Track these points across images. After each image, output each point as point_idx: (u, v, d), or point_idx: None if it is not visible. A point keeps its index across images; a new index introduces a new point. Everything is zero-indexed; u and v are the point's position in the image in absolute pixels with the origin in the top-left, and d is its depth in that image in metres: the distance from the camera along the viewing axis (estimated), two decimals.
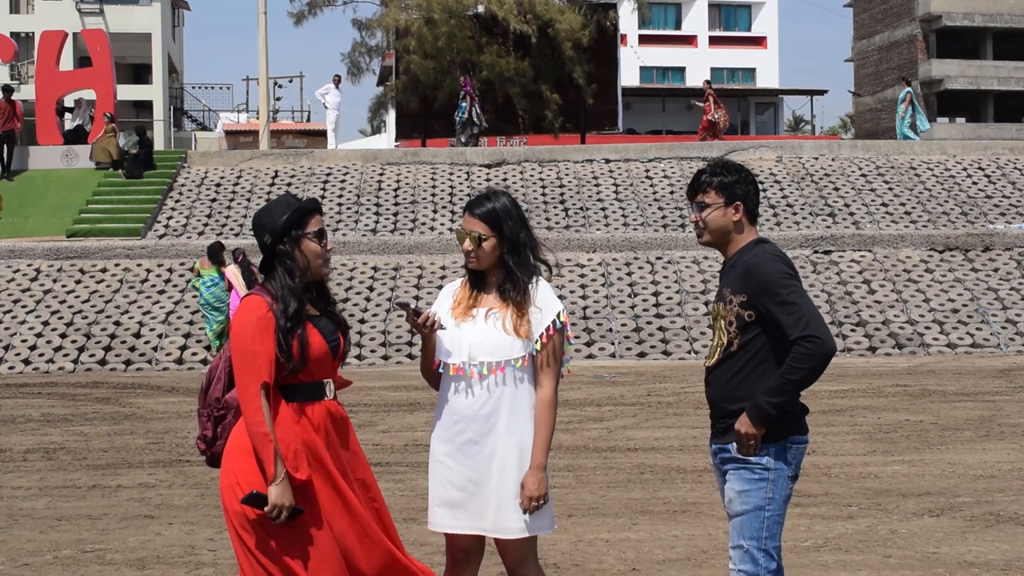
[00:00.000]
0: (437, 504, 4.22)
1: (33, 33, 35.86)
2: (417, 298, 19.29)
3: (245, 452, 3.95)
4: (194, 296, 18.37)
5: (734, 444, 4.07)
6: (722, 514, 4.83)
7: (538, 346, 4.16)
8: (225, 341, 16.10)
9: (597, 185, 23.78)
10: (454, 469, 4.17)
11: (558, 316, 4.19)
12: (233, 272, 17.24)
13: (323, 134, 36.59)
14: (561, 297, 19.20)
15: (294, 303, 3.99)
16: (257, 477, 3.91)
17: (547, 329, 4.17)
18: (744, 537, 4.06)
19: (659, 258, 20.82)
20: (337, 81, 29.65)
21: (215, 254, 17.66)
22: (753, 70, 58.50)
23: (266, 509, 3.88)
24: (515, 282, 4.18)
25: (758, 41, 58.99)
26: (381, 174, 24.32)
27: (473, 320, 4.19)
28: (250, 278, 16.62)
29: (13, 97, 25.21)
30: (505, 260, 4.19)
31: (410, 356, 17.75)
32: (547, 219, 22.29)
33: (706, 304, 19.03)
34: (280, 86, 59.51)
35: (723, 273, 4.25)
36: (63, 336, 18.37)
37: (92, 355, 17.81)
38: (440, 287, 18.83)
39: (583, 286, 19.92)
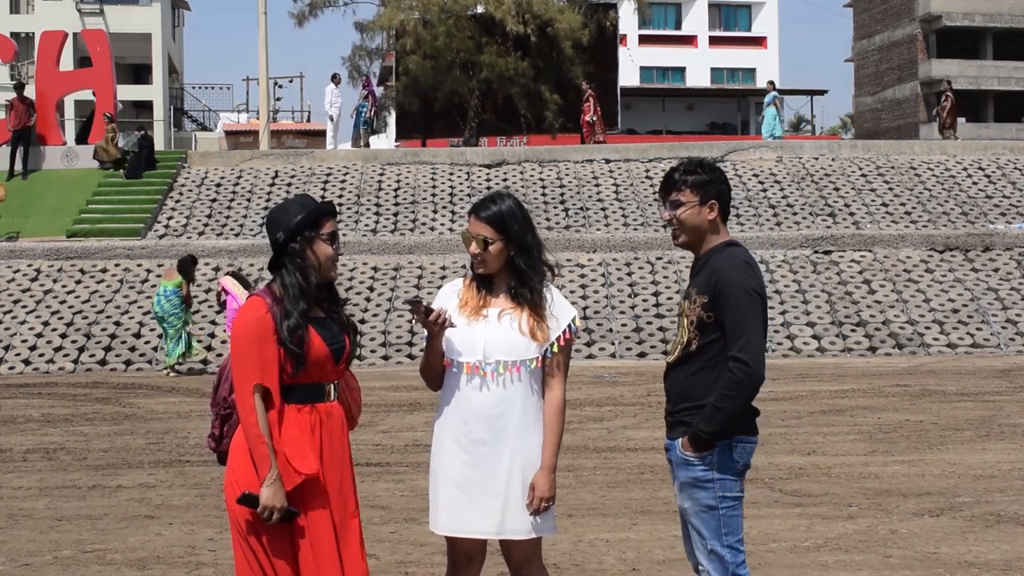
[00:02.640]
0: (442, 506, 4.18)
1: (33, 33, 35.87)
2: (417, 298, 19.27)
3: (245, 451, 3.96)
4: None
5: (679, 441, 4.10)
6: None
7: (555, 349, 4.16)
8: (188, 356, 15.66)
9: (597, 185, 23.78)
10: (459, 470, 4.14)
11: (573, 321, 4.21)
12: (231, 282, 16.90)
13: (323, 134, 36.56)
14: None
15: (303, 302, 3.98)
16: (254, 476, 3.92)
17: (564, 332, 4.17)
18: (708, 538, 4.08)
19: (659, 258, 20.82)
20: (337, 81, 29.57)
21: (186, 268, 16.88)
22: (753, 70, 58.49)
23: (258, 510, 3.88)
24: (529, 285, 4.16)
25: (758, 41, 59.00)
26: (381, 174, 24.32)
27: (485, 320, 4.16)
28: (247, 285, 16.30)
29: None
30: (515, 263, 4.16)
31: (410, 356, 17.75)
32: (547, 219, 22.29)
33: None
34: (280, 86, 59.50)
35: (693, 272, 4.26)
36: (63, 336, 18.38)
37: (92, 355, 17.81)
38: (440, 287, 18.81)
39: (583, 286, 19.92)
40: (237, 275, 16.91)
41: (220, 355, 17.53)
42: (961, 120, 48.42)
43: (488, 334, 4.14)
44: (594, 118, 28.24)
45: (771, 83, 30.41)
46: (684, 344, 4.11)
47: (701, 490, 4.06)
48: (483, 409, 4.12)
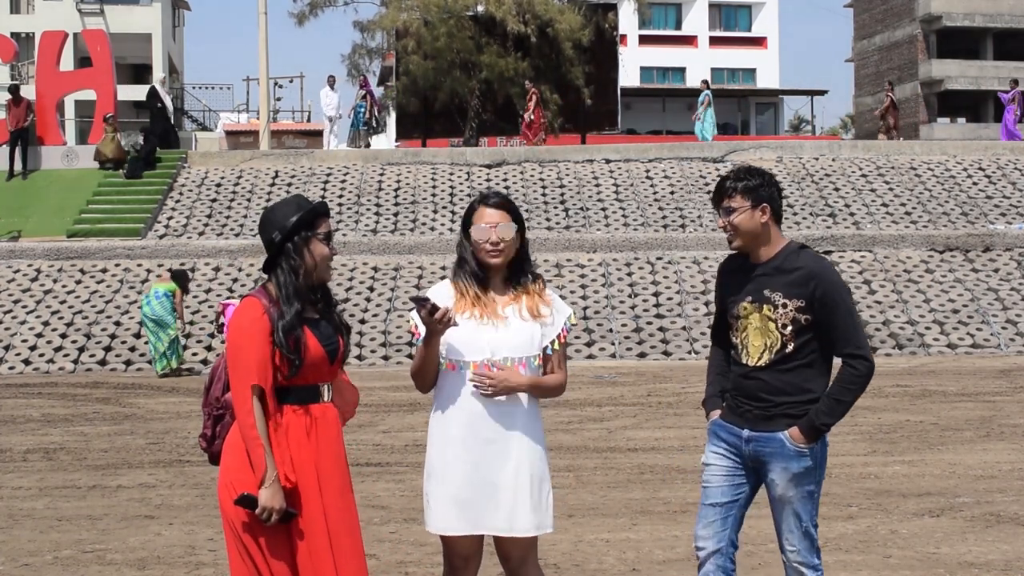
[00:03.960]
0: (450, 506, 4.13)
1: (33, 33, 35.89)
2: (424, 297, 19.25)
3: (242, 452, 3.95)
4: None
5: (787, 433, 4.26)
6: None
7: (556, 346, 4.22)
8: (171, 362, 15.58)
9: (597, 185, 23.78)
10: (466, 472, 4.12)
11: (569, 318, 4.28)
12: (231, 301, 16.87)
13: (323, 134, 36.52)
14: (561, 298, 19.16)
15: (297, 303, 3.98)
16: (250, 477, 3.91)
17: (563, 329, 4.24)
18: (805, 520, 4.32)
19: (659, 258, 20.81)
20: (332, 82, 29.49)
21: (180, 278, 16.98)
22: (753, 70, 58.53)
23: (256, 511, 3.87)
24: (530, 270, 4.25)
25: (758, 41, 59.01)
26: (381, 174, 24.32)
27: (488, 321, 4.17)
28: None
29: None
30: (518, 250, 4.24)
31: (410, 356, 17.74)
32: (547, 219, 22.28)
33: (707, 304, 19.01)
34: (280, 86, 59.47)
35: (755, 274, 4.36)
36: (63, 336, 18.38)
37: (92, 355, 17.81)
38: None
39: (583, 286, 19.91)
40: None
41: (220, 355, 17.53)
42: (961, 120, 48.52)
43: (495, 332, 4.15)
44: (532, 117, 27.94)
45: (705, 82, 30.32)
46: (778, 347, 4.27)
47: (808, 477, 4.29)
48: (490, 408, 4.12)
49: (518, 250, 4.22)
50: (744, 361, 4.35)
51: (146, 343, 17.53)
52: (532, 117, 27.80)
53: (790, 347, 4.26)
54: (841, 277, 4.34)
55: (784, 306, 4.25)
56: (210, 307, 19.04)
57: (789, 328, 4.25)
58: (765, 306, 4.29)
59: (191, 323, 18.50)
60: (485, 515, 4.11)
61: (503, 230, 4.15)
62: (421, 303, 4.06)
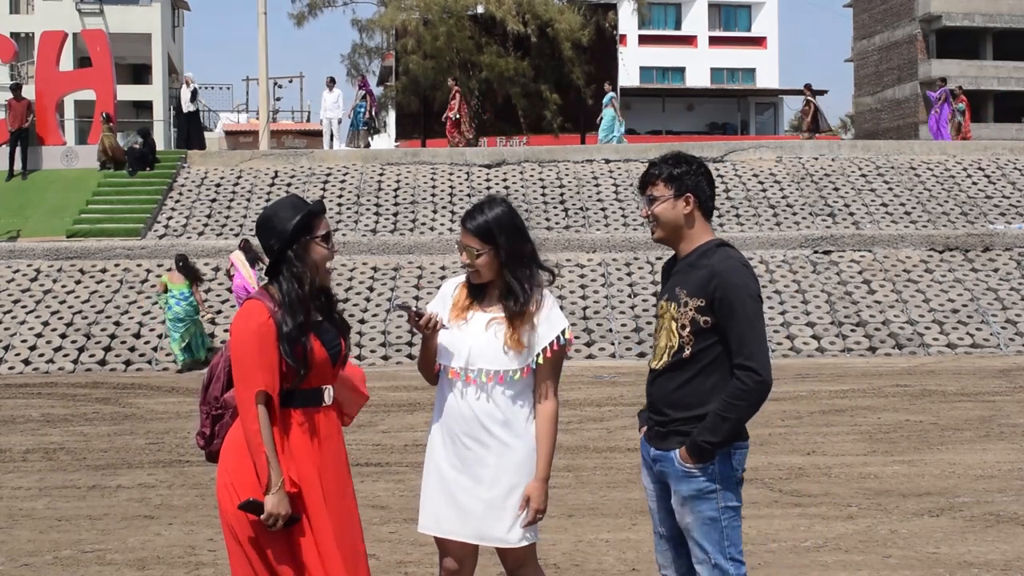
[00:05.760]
0: (427, 506, 4.22)
1: (33, 33, 35.88)
2: (417, 299, 19.28)
3: (241, 453, 3.94)
4: (160, 308, 17.86)
5: (677, 452, 3.96)
6: None
7: (540, 360, 4.12)
8: (191, 356, 15.73)
9: (597, 185, 23.78)
10: (445, 472, 4.17)
11: (563, 332, 4.16)
12: (239, 259, 17.21)
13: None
14: (561, 297, 19.20)
15: (301, 313, 3.96)
16: (252, 479, 3.90)
17: (551, 344, 4.12)
18: (708, 552, 3.93)
19: (659, 258, 20.79)
20: (330, 84, 29.44)
21: (186, 269, 17.12)
22: (753, 70, 58.50)
23: (262, 517, 3.86)
24: (515, 296, 4.12)
25: (758, 41, 59.00)
26: (381, 174, 24.32)
27: (473, 326, 4.16)
28: (255, 262, 16.82)
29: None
30: (503, 272, 4.14)
31: (410, 356, 17.74)
32: (547, 219, 22.28)
33: None
34: (280, 86, 59.54)
35: (674, 271, 4.08)
36: (63, 336, 18.37)
37: (92, 355, 17.81)
38: (439, 287, 18.81)
39: (583, 286, 19.91)
40: (247, 247, 17.14)
41: (219, 352, 17.52)
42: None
43: (474, 341, 4.14)
44: (458, 116, 27.73)
45: (609, 84, 30.39)
46: (675, 349, 3.94)
47: (703, 502, 3.92)
48: (466, 415, 4.14)
49: (504, 270, 4.13)
50: (651, 364, 4.06)
51: (153, 339, 17.63)
52: (458, 116, 27.63)
53: (687, 351, 3.89)
54: (750, 281, 3.87)
55: (686, 304, 3.90)
56: (209, 306, 19.05)
57: (687, 329, 3.89)
58: (673, 304, 3.95)
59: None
60: (457, 520, 4.14)
61: (469, 255, 4.12)
62: (406, 311, 4.12)
